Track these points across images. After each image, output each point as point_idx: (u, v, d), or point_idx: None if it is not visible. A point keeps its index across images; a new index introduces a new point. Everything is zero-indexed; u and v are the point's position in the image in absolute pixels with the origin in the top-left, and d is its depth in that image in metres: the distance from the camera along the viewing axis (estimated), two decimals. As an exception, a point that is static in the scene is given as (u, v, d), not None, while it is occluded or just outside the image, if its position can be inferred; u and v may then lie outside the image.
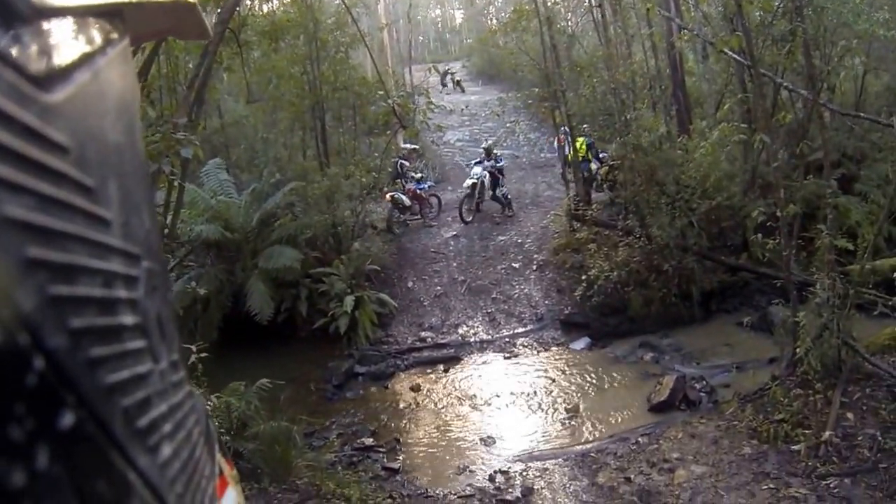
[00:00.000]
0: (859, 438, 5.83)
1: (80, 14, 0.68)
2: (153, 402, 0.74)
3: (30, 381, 0.45)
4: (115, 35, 0.80)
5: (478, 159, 14.86)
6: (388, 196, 13.76)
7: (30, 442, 0.44)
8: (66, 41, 0.63)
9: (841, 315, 6.22)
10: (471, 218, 13.92)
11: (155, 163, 4.83)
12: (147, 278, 0.77)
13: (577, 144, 12.53)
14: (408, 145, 15.25)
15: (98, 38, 0.73)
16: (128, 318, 0.68)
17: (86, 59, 0.67)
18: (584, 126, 13.25)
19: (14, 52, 0.49)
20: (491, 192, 14.20)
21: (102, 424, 0.57)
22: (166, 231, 7.13)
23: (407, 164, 14.81)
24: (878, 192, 9.53)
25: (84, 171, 0.60)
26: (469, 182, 14.14)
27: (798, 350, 6.54)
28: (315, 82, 12.12)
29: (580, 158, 12.89)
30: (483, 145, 15.62)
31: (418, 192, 14.41)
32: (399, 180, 14.33)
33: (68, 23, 0.64)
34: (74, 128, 0.59)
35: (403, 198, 13.99)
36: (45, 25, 0.57)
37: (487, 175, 14.09)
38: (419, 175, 15.04)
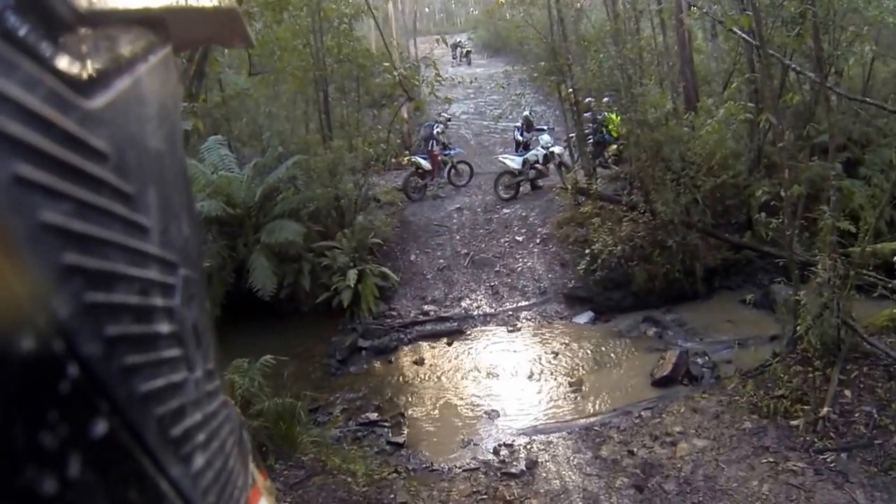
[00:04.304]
0: (856, 415, 5.94)
1: (121, 20, 0.67)
2: (187, 411, 0.73)
3: (63, 389, 0.45)
4: (156, 42, 0.80)
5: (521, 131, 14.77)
6: (407, 159, 14.06)
7: (63, 450, 0.44)
8: (107, 48, 0.62)
9: (841, 295, 6.27)
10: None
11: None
12: (184, 286, 0.77)
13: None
14: (444, 114, 15.74)
15: (139, 45, 0.73)
16: (164, 327, 0.67)
17: (127, 66, 0.67)
18: (590, 100, 13.20)
19: (55, 57, 0.49)
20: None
21: (136, 433, 0.57)
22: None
23: (443, 126, 15.03)
24: (882, 176, 9.57)
25: (123, 178, 0.60)
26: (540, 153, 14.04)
27: (799, 328, 6.61)
28: (318, 54, 12.01)
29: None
30: (524, 113, 15.60)
31: (440, 156, 14.56)
32: (431, 142, 14.60)
33: (110, 29, 0.64)
34: (114, 134, 0.59)
35: (422, 161, 14.18)
36: (87, 31, 0.57)
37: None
38: (445, 140, 15.15)
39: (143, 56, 0.73)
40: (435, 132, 14.80)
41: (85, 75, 0.54)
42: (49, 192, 0.45)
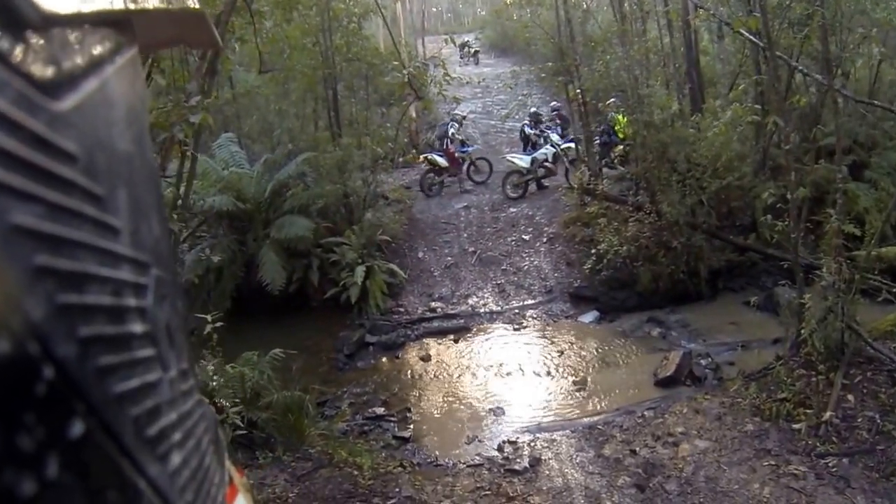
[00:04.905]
0: (859, 420, 5.94)
1: (88, 22, 0.67)
2: (163, 410, 0.74)
3: (39, 390, 0.45)
4: (123, 43, 0.80)
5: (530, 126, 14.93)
6: (423, 157, 14.51)
7: (40, 451, 0.44)
8: (74, 49, 0.62)
9: (846, 299, 6.28)
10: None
11: (166, 132, 4.84)
12: (156, 286, 0.77)
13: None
14: (459, 113, 16.05)
15: (106, 47, 0.73)
16: (137, 327, 0.68)
17: (94, 68, 0.67)
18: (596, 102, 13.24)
19: (22, 60, 0.49)
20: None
21: (112, 433, 0.57)
22: (179, 202, 7.16)
23: (458, 125, 15.28)
24: (888, 179, 9.55)
25: (93, 180, 0.59)
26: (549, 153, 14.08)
27: (803, 331, 6.62)
28: (328, 53, 12.11)
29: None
30: (532, 109, 15.70)
31: (456, 154, 14.79)
32: (445, 140, 14.88)
33: (76, 31, 0.64)
34: (83, 136, 0.59)
35: (439, 159, 14.47)
36: (54, 33, 0.57)
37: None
38: (461, 137, 15.36)
39: (110, 57, 0.73)
40: (450, 132, 15.00)
41: (52, 77, 0.54)
42: (19, 194, 0.45)
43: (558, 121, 15.34)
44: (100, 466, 0.55)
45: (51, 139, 0.51)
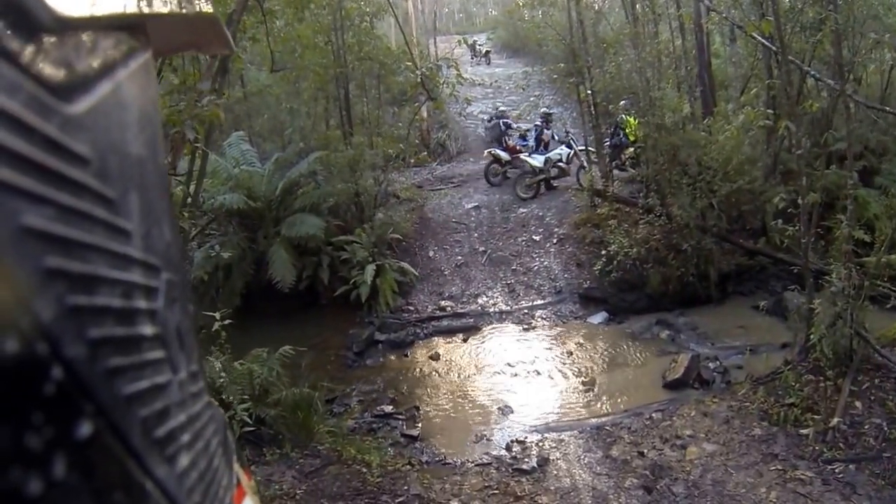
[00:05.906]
0: (866, 427, 5.96)
1: (101, 26, 0.67)
2: (171, 412, 0.74)
3: (48, 391, 0.45)
4: (136, 48, 0.80)
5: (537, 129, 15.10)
6: (486, 152, 15.33)
7: (48, 451, 0.44)
8: (87, 53, 0.62)
9: (855, 305, 6.28)
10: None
11: (178, 127, 4.89)
12: (167, 289, 0.78)
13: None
14: (502, 107, 17.30)
15: (120, 51, 0.73)
16: (147, 329, 0.68)
17: (107, 72, 0.67)
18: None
19: (36, 63, 0.49)
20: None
21: (120, 434, 0.57)
22: (189, 200, 7.18)
23: (510, 121, 15.97)
24: (898, 186, 9.53)
25: (105, 183, 0.60)
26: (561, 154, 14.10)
27: (811, 337, 6.64)
28: (339, 52, 12.14)
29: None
30: (542, 109, 15.82)
31: (518, 147, 15.22)
32: (504, 138, 15.63)
33: (90, 35, 0.64)
34: (95, 139, 0.59)
35: (502, 154, 14.98)
36: (67, 37, 0.57)
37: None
38: (524, 129, 15.76)
39: (123, 61, 0.73)
40: (513, 125, 15.91)
41: (65, 80, 0.55)
42: (31, 196, 0.45)
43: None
44: (107, 467, 0.55)
45: (63, 142, 0.52)
